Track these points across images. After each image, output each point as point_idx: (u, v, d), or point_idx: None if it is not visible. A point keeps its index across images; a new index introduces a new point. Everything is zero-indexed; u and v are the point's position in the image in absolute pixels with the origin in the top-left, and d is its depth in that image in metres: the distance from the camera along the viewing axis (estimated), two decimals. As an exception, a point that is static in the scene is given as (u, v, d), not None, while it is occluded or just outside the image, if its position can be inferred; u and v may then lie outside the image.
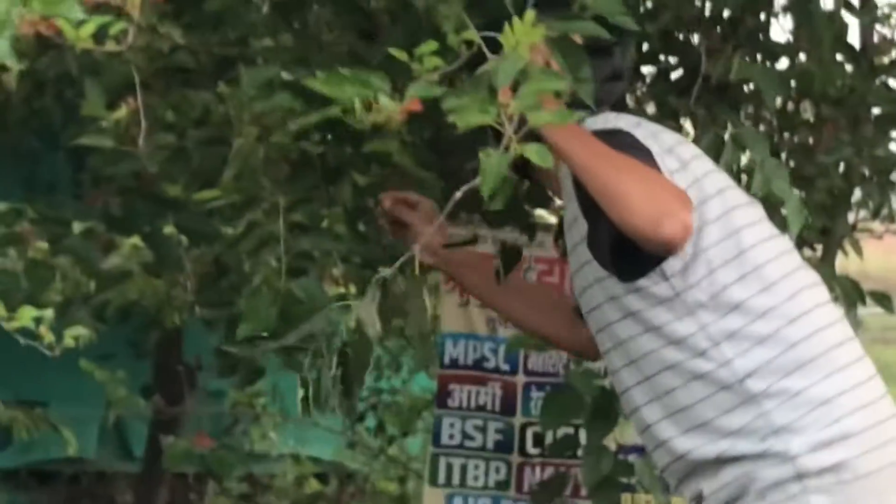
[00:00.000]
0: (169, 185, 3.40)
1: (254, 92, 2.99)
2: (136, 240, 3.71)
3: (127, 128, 2.67)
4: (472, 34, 2.30)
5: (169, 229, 3.48)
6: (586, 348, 2.97)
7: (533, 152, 2.06)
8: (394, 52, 2.22)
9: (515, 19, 2.10)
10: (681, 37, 3.65)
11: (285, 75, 3.03)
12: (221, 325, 3.40)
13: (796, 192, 3.32)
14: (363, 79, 2.17)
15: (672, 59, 3.78)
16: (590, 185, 2.52)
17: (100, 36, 2.26)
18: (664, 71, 3.82)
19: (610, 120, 2.73)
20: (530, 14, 2.10)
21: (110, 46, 2.33)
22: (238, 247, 3.12)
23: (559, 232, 3.06)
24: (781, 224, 2.99)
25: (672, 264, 2.62)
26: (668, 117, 3.61)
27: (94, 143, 2.64)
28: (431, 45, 2.20)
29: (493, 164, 2.07)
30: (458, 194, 2.23)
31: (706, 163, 2.76)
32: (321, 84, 2.17)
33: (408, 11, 3.39)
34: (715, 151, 3.63)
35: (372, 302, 2.53)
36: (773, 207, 2.99)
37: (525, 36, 2.10)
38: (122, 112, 2.53)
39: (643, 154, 2.61)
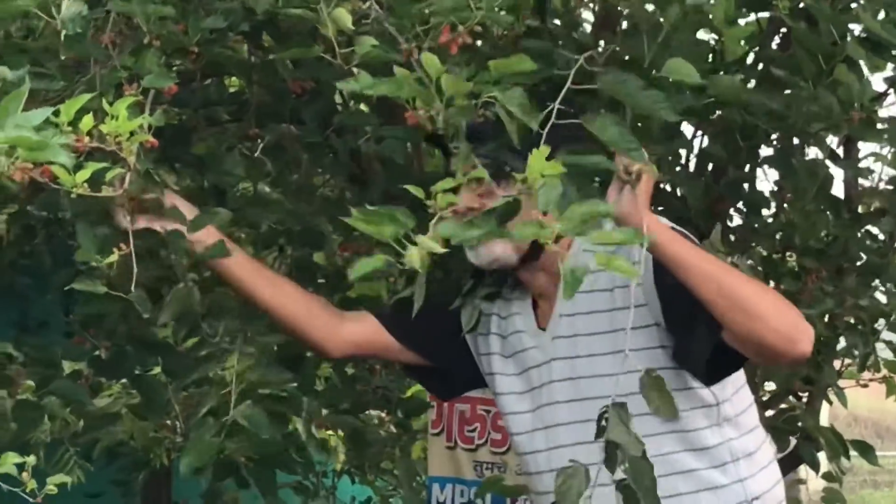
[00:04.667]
0: (157, 329, 3.42)
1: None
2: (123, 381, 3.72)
3: (118, 272, 2.68)
4: (482, 172, 2.33)
5: (156, 372, 3.49)
6: (339, 348, 2.97)
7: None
8: (411, 189, 2.24)
9: (535, 152, 2.12)
10: (667, 188, 3.70)
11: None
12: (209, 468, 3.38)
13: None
14: (396, 217, 2.16)
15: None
16: (714, 294, 2.50)
17: (94, 182, 2.29)
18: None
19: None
20: (545, 149, 2.14)
21: (106, 192, 2.36)
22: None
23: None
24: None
25: None
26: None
27: (86, 288, 2.66)
28: (448, 182, 2.22)
29: (574, 274, 2.11)
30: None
31: None
32: (362, 223, 2.18)
33: (398, 157, 3.45)
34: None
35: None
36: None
37: (544, 168, 2.13)
38: (114, 257, 2.54)
39: None
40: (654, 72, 2.56)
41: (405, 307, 2.72)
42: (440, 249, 2.13)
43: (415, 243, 2.11)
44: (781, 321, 2.51)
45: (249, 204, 3.38)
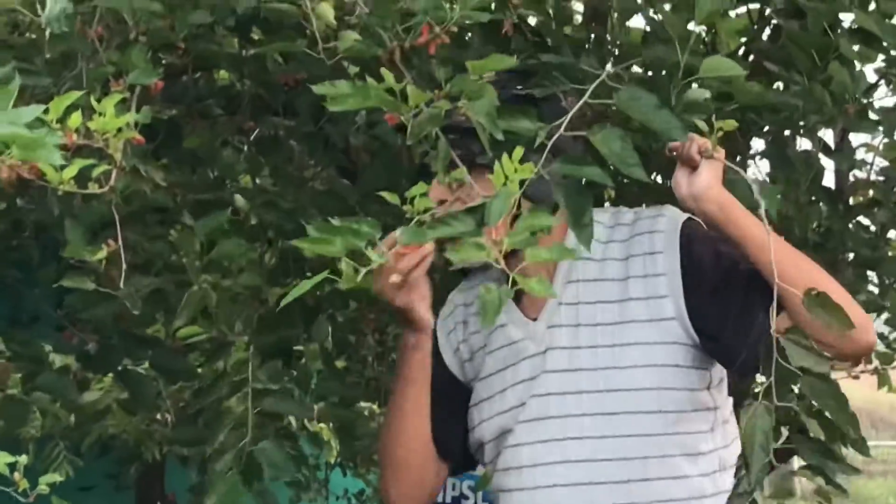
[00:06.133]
0: (147, 324, 3.41)
1: (204, 238, 3.01)
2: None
3: (106, 268, 2.67)
4: (462, 172, 2.32)
5: (144, 367, 3.48)
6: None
7: (533, 286, 2.07)
8: (385, 195, 2.23)
9: (504, 157, 2.12)
10: (658, 180, 3.68)
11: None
12: (197, 462, 3.39)
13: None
14: (354, 229, 2.14)
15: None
16: (792, 279, 2.33)
17: (81, 177, 2.27)
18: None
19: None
20: (518, 151, 2.12)
21: (93, 188, 2.35)
22: (210, 392, 3.14)
23: None
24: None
25: (715, 373, 2.61)
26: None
27: (75, 285, 2.65)
28: (422, 187, 2.21)
29: (493, 298, 2.07)
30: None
31: None
32: (310, 243, 2.15)
33: (387, 150, 3.43)
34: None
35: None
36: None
37: (514, 173, 2.12)
38: (102, 254, 2.53)
39: None
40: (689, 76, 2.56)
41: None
42: (381, 261, 2.13)
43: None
44: (854, 311, 2.36)
45: (251, 197, 3.36)
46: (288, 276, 3.48)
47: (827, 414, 2.43)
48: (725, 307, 2.53)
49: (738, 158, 3.67)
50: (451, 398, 2.76)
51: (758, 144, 3.72)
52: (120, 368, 3.39)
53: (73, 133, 2.24)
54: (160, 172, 2.80)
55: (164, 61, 2.75)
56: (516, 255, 2.15)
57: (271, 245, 3.71)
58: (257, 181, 3.63)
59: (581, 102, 2.36)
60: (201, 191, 3.29)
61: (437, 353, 2.77)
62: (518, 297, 2.68)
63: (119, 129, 2.29)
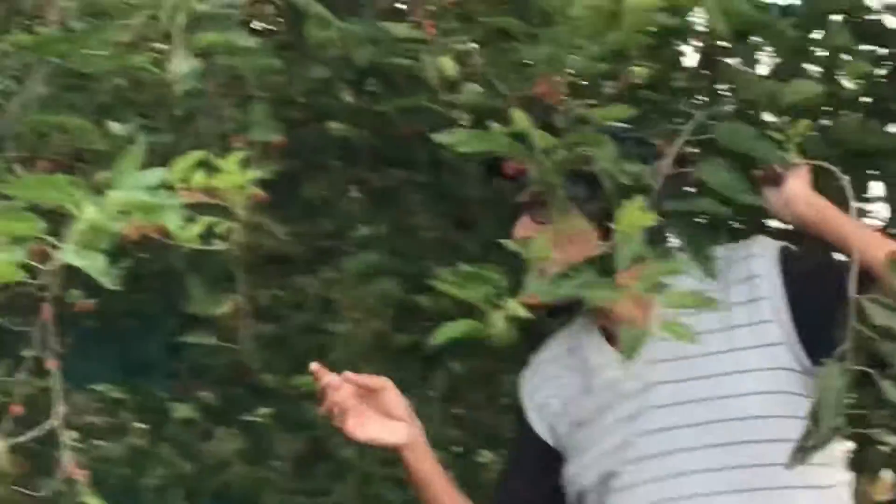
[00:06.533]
0: (266, 375, 3.44)
1: (355, 278, 3.03)
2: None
3: (227, 320, 2.70)
4: (581, 222, 2.33)
5: (265, 417, 3.51)
6: None
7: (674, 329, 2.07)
8: (508, 243, 2.25)
9: (627, 203, 2.12)
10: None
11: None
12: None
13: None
14: (488, 277, 2.16)
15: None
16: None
17: (203, 232, 2.30)
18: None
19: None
20: (639, 199, 2.13)
21: (217, 245, 2.38)
22: (330, 442, 3.16)
23: None
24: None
25: None
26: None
27: (198, 340, 2.69)
28: (543, 236, 2.22)
29: (634, 334, 2.13)
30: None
31: None
32: (452, 286, 2.17)
33: (501, 200, 3.43)
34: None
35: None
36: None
37: (636, 219, 2.12)
38: (225, 308, 2.56)
39: None
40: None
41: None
42: (525, 315, 2.13)
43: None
44: None
45: (370, 248, 3.39)
46: (403, 328, 3.49)
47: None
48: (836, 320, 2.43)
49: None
50: (538, 463, 2.75)
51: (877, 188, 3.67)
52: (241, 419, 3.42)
53: (195, 191, 2.27)
54: (280, 226, 2.83)
55: (283, 116, 2.78)
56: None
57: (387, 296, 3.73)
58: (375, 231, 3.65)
59: (681, 139, 2.37)
60: (320, 241, 3.31)
61: (522, 420, 2.77)
62: (610, 336, 2.68)
63: (241, 186, 2.32)
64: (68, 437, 2.48)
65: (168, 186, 2.16)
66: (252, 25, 3.44)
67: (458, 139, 2.32)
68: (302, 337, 3.20)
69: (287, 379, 3.50)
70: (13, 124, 2.54)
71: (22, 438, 2.52)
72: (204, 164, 2.29)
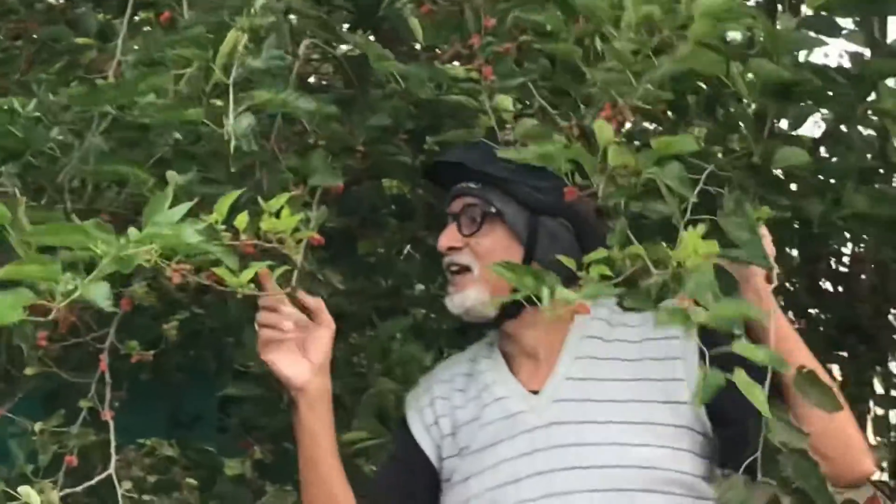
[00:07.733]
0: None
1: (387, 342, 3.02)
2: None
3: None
4: (638, 248, 2.31)
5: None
6: None
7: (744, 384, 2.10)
8: (562, 259, 2.24)
9: (691, 231, 2.13)
10: (829, 287, 3.63)
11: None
12: None
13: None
14: (535, 272, 2.19)
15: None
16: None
17: (258, 281, 2.29)
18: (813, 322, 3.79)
19: None
20: (700, 228, 2.12)
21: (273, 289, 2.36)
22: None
23: None
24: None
25: (716, 469, 2.58)
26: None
27: (241, 392, 2.66)
28: (601, 252, 2.21)
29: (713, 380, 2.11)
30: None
31: None
32: (506, 272, 2.20)
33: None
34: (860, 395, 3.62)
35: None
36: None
37: (697, 248, 2.11)
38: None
39: None
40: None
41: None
42: (575, 298, 2.14)
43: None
44: (856, 435, 2.51)
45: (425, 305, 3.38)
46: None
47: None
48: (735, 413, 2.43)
49: None
50: (415, 477, 2.72)
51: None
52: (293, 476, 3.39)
53: (243, 233, 2.25)
54: (338, 276, 2.82)
55: (342, 165, 2.78)
56: None
57: (442, 353, 3.72)
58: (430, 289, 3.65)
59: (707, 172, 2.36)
60: (377, 298, 3.30)
61: (405, 434, 2.74)
62: (517, 370, 2.68)
63: (296, 229, 2.31)
64: (122, 488, 2.47)
65: (211, 228, 2.15)
66: (310, 80, 3.47)
67: (525, 154, 2.33)
68: (354, 395, 3.18)
69: (339, 436, 3.48)
70: (71, 177, 2.54)
71: (76, 489, 2.52)
72: (258, 212, 2.29)
